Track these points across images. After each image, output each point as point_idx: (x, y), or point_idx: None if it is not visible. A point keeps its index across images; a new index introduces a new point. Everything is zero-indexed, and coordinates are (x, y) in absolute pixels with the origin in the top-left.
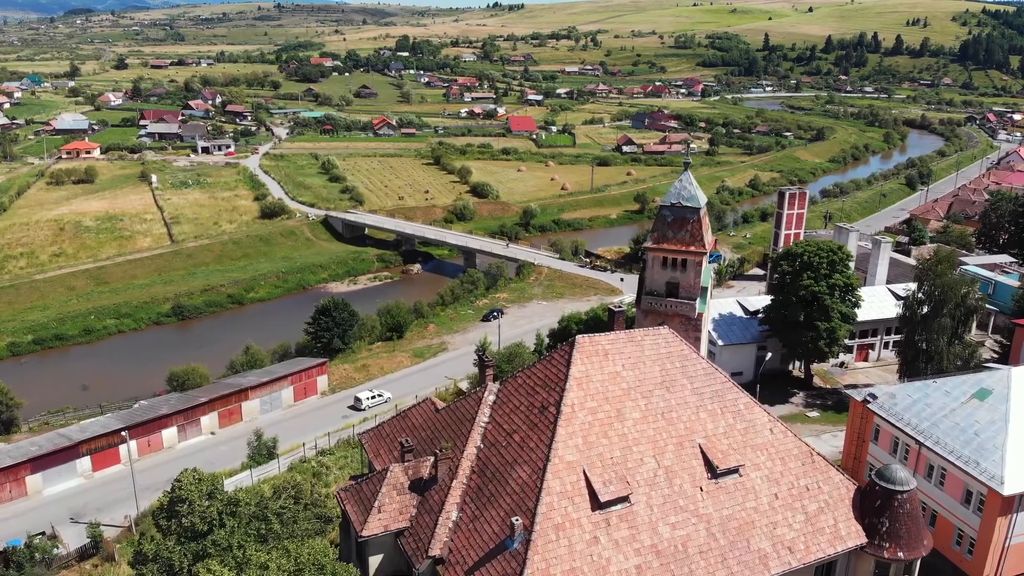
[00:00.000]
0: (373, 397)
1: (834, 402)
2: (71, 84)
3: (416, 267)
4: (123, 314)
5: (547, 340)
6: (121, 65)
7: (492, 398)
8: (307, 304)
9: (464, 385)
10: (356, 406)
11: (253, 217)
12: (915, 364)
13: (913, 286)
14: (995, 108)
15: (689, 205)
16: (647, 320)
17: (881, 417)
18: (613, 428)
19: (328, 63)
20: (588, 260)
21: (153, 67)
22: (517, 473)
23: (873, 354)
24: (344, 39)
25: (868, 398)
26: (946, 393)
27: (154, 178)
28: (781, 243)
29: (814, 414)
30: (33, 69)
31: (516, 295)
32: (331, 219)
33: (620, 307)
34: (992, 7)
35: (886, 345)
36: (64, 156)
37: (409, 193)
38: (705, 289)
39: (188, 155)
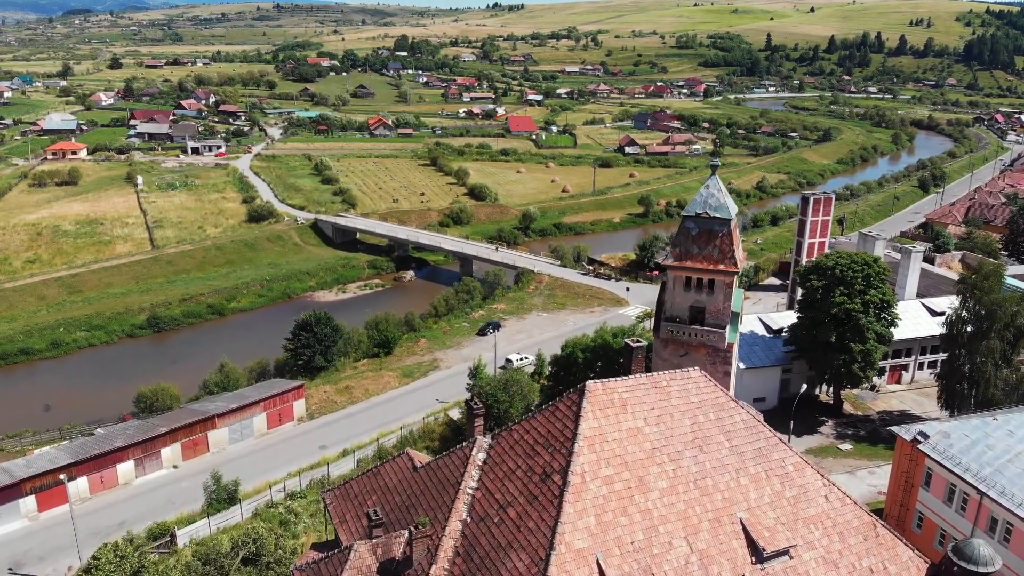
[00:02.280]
0: (522, 359)
1: (867, 432)
2: (62, 83)
3: (409, 274)
4: (95, 326)
5: (549, 367)
6: (115, 64)
7: (482, 457)
8: (291, 314)
9: (455, 413)
10: (506, 368)
11: (240, 220)
12: (957, 390)
13: (953, 300)
14: (1002, 109)
15: (718, 216)
16: (667, 350)
17: (934, 460)
18: (634, 502)
19: (325, 63)
20: (591, 267)
21: (148, 67)
22: (512, 562)
23: (907, 376)
24: (343, 39)
25: (918, 437)
26: (1010, 433)
27: (140, 180)
28: (805, 253)
29: (847, 447)
30: (27, 69)
31: (515, 306)
32: (321, 223)
33: (639, 342)
34: (996, 7)
35: (921, 366)
36: (49, 157)
37: (404, 195)
38: (736, 315)
39: (177, 156)
